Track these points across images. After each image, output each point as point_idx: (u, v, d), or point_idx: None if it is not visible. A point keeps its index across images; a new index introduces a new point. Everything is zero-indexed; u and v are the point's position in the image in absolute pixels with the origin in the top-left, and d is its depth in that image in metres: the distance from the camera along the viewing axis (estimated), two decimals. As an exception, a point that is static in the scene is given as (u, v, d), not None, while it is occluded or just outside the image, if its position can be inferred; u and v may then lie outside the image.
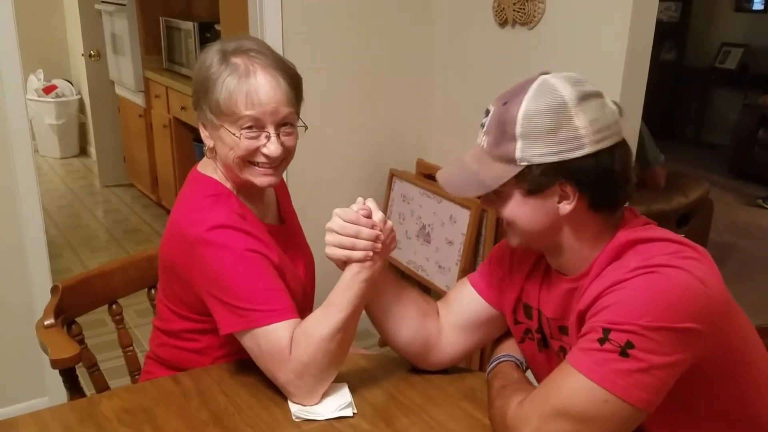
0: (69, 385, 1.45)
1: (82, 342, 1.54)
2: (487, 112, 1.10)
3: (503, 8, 2.66)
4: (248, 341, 1.25)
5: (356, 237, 1.21)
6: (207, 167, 1.40)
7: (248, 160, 1.32)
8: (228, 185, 1.37)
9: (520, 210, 1.09)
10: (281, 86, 1.29)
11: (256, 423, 1.20)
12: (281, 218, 1.50)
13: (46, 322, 1.44)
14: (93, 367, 1.56)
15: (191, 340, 1.41)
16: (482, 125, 1.10)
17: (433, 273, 2.82)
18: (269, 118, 1.29)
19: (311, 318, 1.24)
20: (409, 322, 1.31)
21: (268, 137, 1.30)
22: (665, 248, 1.03)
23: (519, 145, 1.04)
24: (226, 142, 1.31)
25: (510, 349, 1.30)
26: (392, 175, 3.04)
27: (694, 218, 3.55)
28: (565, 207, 1.07)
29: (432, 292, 3.05)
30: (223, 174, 1.38)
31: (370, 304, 1.30)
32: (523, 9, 2.57)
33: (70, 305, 1.54)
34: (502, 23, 2.69)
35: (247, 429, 1.19)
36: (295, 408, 1.22)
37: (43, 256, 2.48)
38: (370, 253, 1.22)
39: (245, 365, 1.31)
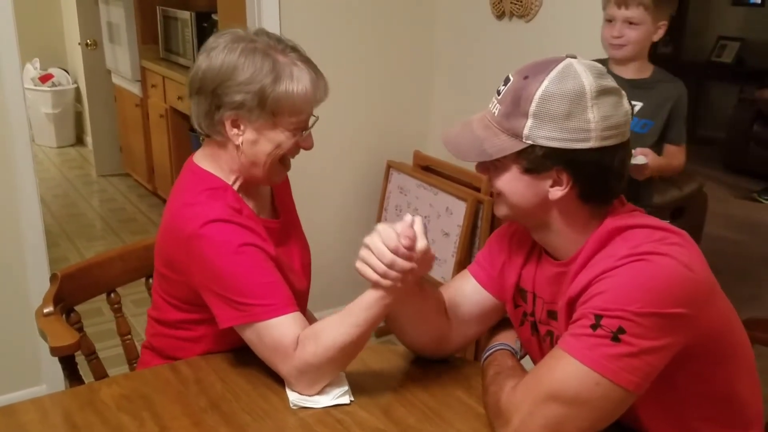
0: (68, 372, 1.46)
1: (80, 330, 1.55)
2: (507, 80, 1.10)
3: (501, 1, 2.66)
4: (249, 335, 1.26)
5: (390, 266, 1.14)
6: (204, 160, 1.38)
7: (285, 156, 1.35)
8: (228, 180, 1.36)
9: (512, 184, 1.10)
10: (317, 78, 1.33)
11: (253, 410, 1.22)
12: (275, 212, 1.50)
13: (46, 310, 1.45)
14: (91, 355, 1.57)
15: (186, 330, 1.42)
16: (498, 92, 1.11)
17: (428, 264, 2.83)
18: (312, 111, 1.35)
19: (326, 325, 1.23)
20: (429, 328, 1.32)
21: (306, 132, 1.35)
22: (651, 235, 1.05)
23: (529, 123, 1.05)
24: (273, 140, 1.31)
25: (505, 338, 1.31)
26: (389, 166, 3.05)
27: (689, 211, 3.57)
28: (556, 192, 1.08)
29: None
30: (227, 169, 1.36)
31: (391, 315, 1.28)
32: (521, 2, 2.58)
33: (69, 293, 1.54)
34: (500, 16, 2.70)
35: (244, 415, 1.20)
36: (293, 396, 1.24)
37: (40, 245, 2.49)
38: (399, 284, 1.16)
39: (243, 354, 1.32)
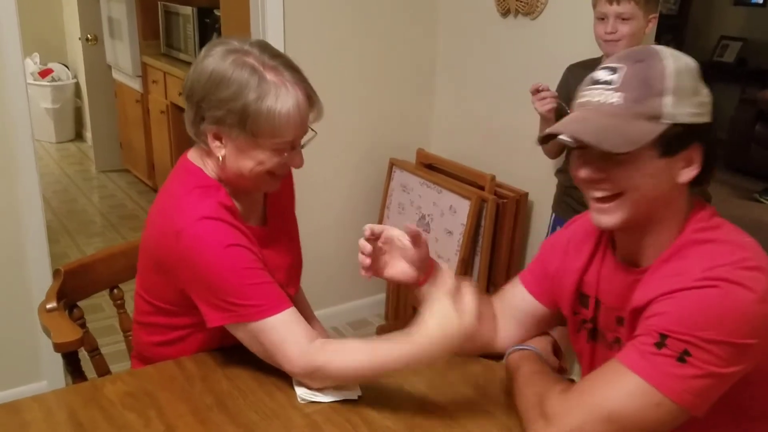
0: (71, 368, 1.45)
1: (83, 326, 1.54)
2: (613, 70, 1.03)
3: (506, -2, 2.65)
4: (243, 335, 1.26)
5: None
6: (198, 159, 1.36)
7: (272, 172, 1.31)
8: (219, 181, 1.34)
9: (643, 173, 1.02)
10: (309, 101, 1.29)
11: (260, 407, 1.21)
12: (264, 219, 1.46)
13: (48, 306, 1.44)
14: (94, 351, 1.56)
15: (169, 337, 1.40)
16: (607, 82, 1.02)
17: (431, 262, 2.82)
18: (301, 134, 1.31)
19: (349, 342, 1.25)
20: (476, 347, 1.33)
21: (295, 150, 1.32)
22: (731, 255, 1.00)
23: (668, 100, 1.00)
24: (255, 158, 1.28)
25: (536, 342, 1.30)
26: (392, 164, 3.04)
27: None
28: (688, 173, 1.04)
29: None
30: (214, 175, 1.34)
31: None
32: (526, -1, 2.57)
33: (72, 289, 1.53)
34: (505, 13, 2.69)
35: (250, 413, 1.19)
36: (300, 391, 1.23)
37: (42, 241, 2.47)
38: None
39: (248, 351, 1.30)
